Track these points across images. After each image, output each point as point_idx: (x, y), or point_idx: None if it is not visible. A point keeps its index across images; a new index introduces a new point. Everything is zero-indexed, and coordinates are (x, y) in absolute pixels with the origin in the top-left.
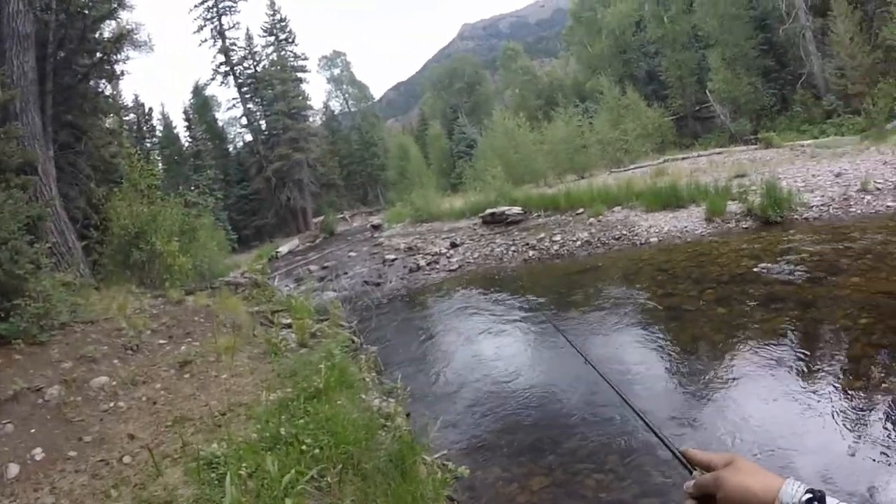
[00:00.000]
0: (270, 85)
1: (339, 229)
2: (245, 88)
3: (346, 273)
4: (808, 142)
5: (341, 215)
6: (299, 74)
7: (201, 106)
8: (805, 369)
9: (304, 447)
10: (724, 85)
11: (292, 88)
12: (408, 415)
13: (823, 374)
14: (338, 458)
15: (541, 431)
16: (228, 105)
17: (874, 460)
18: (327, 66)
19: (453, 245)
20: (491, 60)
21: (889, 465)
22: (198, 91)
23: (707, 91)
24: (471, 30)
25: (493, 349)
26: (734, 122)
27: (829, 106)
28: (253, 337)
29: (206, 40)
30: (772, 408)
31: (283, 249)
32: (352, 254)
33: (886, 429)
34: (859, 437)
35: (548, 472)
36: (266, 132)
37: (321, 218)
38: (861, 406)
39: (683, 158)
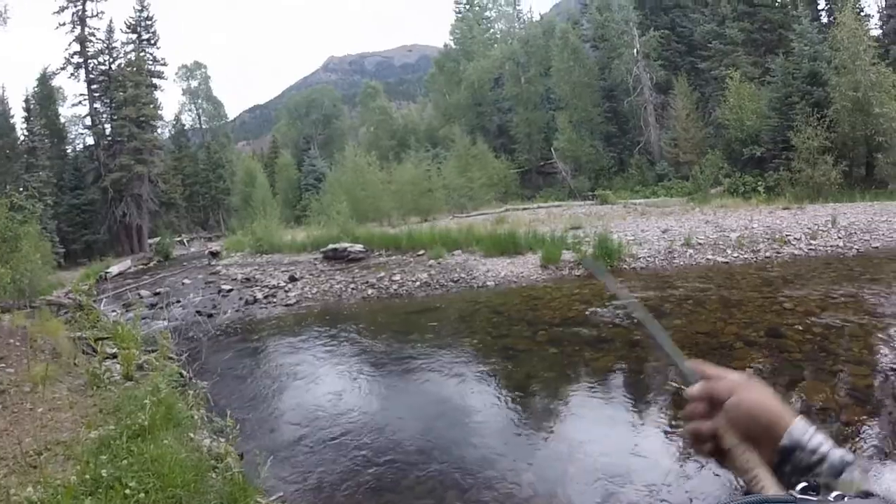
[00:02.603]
0: (123, 86)
1: (175, 253)
2: (95, 85)
3: (178, 301)
4: (640, 201)
5: (179, 238)
6: (155, 80)
7: (45, 97)
8: (633, 402)
9: (127, 491)
10: (569, 145)
11: (145, 94)
12: (241, 455)
13: (650, 405)
14: (165, 503)
15: (379, 468)
16: (74, 101)
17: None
18: (185, 77)
19: (292, 279)
20: (351, 96)
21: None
22: (44, 79)
23: (552, 149)
24: (336, 63)
25: (329, 386)
26: (574, 179)
27: (662, 171)
28: (74, 366)
29: (63, 24)
30: (603, 437)
31: (114, 270)
32: (186, 280)
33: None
34: (683, 459)
35: None
36: (110, 137)
37: (157, 239)
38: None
39: (524, 209)
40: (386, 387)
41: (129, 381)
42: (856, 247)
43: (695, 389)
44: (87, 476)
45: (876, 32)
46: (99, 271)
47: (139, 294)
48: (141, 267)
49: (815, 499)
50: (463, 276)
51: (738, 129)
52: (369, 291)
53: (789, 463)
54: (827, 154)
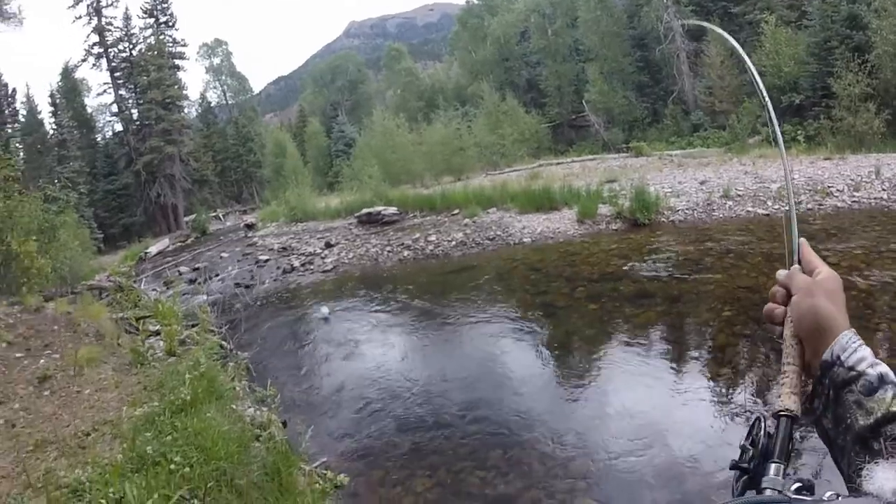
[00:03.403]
0: (146, 71)
1: (211, 228)
2: (118, 73)
3: (217, 275)
4: (676, 152)
5: (214, 214)
6: (177, 61)
7: (70, 90)
8: (674, 359)
9: (172, 466)
10: (601, 97)
11: (168, 76)
12: (284, 423)
13: (691, 362)
14: (209, 476)
15: (421, 432)
16: (99, 90)
17: (738, 436)
18: (207, 55)
19: (328, 245)
20: (375, 60)
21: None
22: (67, 73)
23: (584, 101)
24: (357, 27)
25: (368, 351)
26: (608, 132)
27: (697, 121)
28: (117, 346)
29: (80, 17)
30: (644, 395)
31: (153, 250)
32: (224, 254)
33: (748, 409)
34: (725, 417)
35: (431, 474)
36: (138, 122)
37: (193, 216)
38: (726, 391)
39: (558, 163)
40: (426, 349)
41: (172, 357)
42: None
43: (781, 274)
44: (133, 454)
45: None
46: (138, 252)
47: (178, 271)
48: (179, 244)
49: (809, 499)
50: (499, 233)
51: (776, 76)
52: (405, 253)
53: (827, 377)
54: (869, 101)
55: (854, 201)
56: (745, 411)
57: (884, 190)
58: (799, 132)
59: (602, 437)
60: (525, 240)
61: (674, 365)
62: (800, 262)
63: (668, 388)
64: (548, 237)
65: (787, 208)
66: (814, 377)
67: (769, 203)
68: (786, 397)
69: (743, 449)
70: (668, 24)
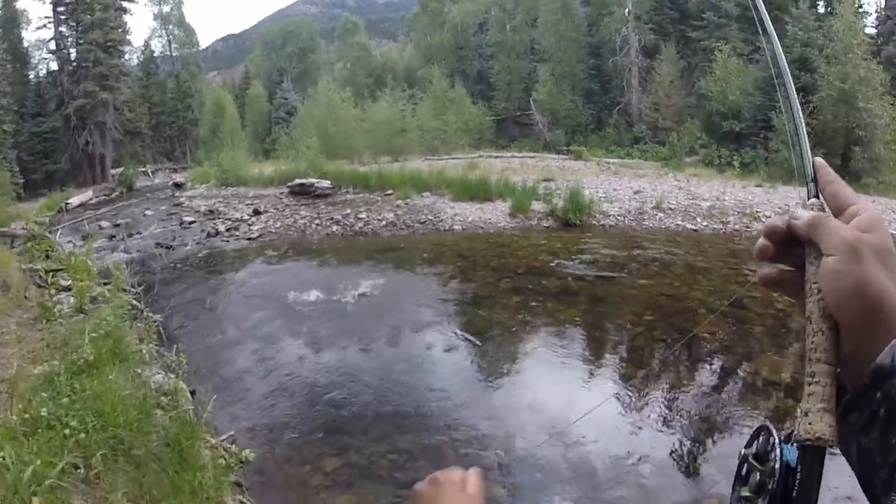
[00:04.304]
0: (90, 9)
1: (138, 184)
2: (61, 8)
3: (138, 233)
4: (615, 160)
5: (143, 169)
6: (124, 3)
7: (9, 20)
8: (593, 356)
9: (67, 431)
10: (549, 97)
11: (113, 17)
12: (192, 393)
13: (610, 361)
14: (105, 443)
15: (333, 411)
16: (39, 24)
17: (649, 435)
18: (157, 1)
19: (256, 212)
20: (330, 30)
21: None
22: (7, 2)
23: (531, 99)
24: None
25: (285, 326)
26: (550, 132)
27: (639, 133)
28: (24, 299)
29: None
30: (560, 389)
31: (75, 201)
32: (148, 212)
33: (659, 411)
34: (638, 418)
35: (340, 454)
36: (75, 63)
37: (121, 170)
38: (640, 392)
39: (497, 157)
40: (344, 328)
41: (81, 315)
42: None
43: (796, 216)
44: (28, 415)
45: (871, 31)
46: (59, 202)
47: (98, 225)
48: (103, 198)
49: None
50: (430, 217)
51: (721, 103)
52: (334, 228)
53: (880, 389)
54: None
55: None
56: (659, 416)
57: None
58: (735, 158)
59: (515, 427)
60: (456, 227)
61: (592, 362)
62: (817, 194)
63: (584, 384)
64: (479, 227)
65: (794, 120)
66: (854, 382)
67: (699, 220)
68: (816, 417)
69: (747, 465)
70: (626, 37)
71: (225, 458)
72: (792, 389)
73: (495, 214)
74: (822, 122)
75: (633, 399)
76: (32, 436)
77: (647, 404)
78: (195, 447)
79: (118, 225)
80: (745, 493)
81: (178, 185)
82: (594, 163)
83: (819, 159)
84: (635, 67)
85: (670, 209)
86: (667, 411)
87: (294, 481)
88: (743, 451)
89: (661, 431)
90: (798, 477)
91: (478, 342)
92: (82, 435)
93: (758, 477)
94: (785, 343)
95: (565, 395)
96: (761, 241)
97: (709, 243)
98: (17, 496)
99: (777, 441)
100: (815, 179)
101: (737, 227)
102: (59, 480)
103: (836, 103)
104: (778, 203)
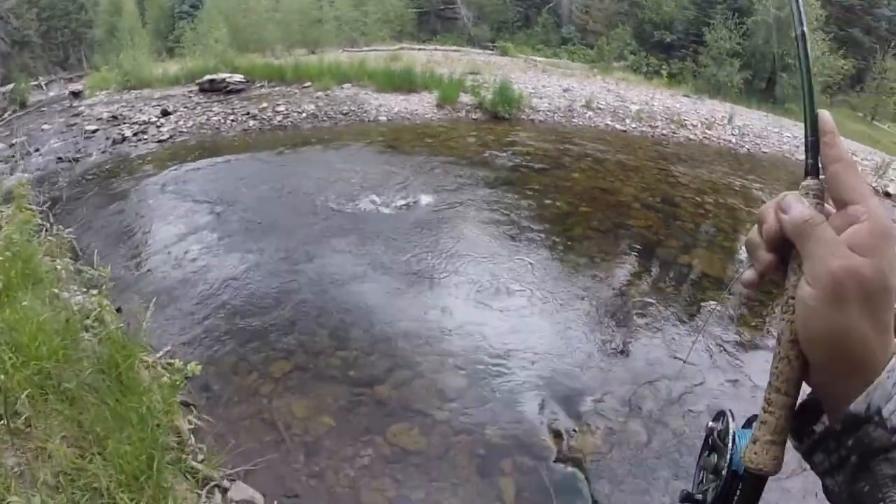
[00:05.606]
0: None
1: (32, 99)
2: None
3: (37, 150)
4: (541, 59)
5: (35, 82)
6: None
7: None
8: (533, 246)
9: None
10: None
11: None
12: (118, 310)
13: (550, 250)
14: (29, 382)
15: (271, 313)
16: None
17: (581, 332)
18: None
19: (165, 113)
20: None
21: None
22: None
23: None
24: None
25: (208, 226)
26: (475, 27)
27: (568, 35)
28: None
29: None
30: (505, 277)
31: None
32: (45, 126)
33: (596, 303)
34: (578, 309)
35: (287, 356)
36: None
37: (11, 86)
38: (582, 282)
39: (420, 49)
40: (270, 225)
41: None
42: (747, 146)
43: (790, 218)
44: None
45: None
46: None
47: None
48: None
49: None
50: (353, 109)
51: (654, 12)
52: (251, 123)
53: (853, 437)
54: (735, 58)
55: (705, 137)
56: (605, 306)
57: (733, 135)
58: (663, 67)
59: (460, 318)
60: (381, 118)
61: (531, 251)
62: (817, 171)
63: (526, 274)
64: (405, 118)
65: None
66: (824, 423)
67: (627, 121)
68: (763, 448)
69: (711, 440)
70: None
71: (169, 377)
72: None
73: (422, 105)
74: (753, 44)
75: (579, 293)
76: None
77: (592, 297)
78: (134, 368)
79: (13, 145)
80: (705, 465)
81: (75, 94)
82: (521, 59)
83: (826, 115)
84: None
85: (600, 109)
86: (614, 307)
87: (243, 392)
88: (710, 423)
89: (602, 322)
90: (738, 494)
91: (412, 229)
92: (1, 376)
93: (714, 460)
94: (715, 240)
95: (510, 283)
96: (753, 235)
97: (638, 144)
98: None
99: (733, 433)
100: (816, 146)
101: (664, 132)
102: None
103: (769, 29)
104: (705, 114)
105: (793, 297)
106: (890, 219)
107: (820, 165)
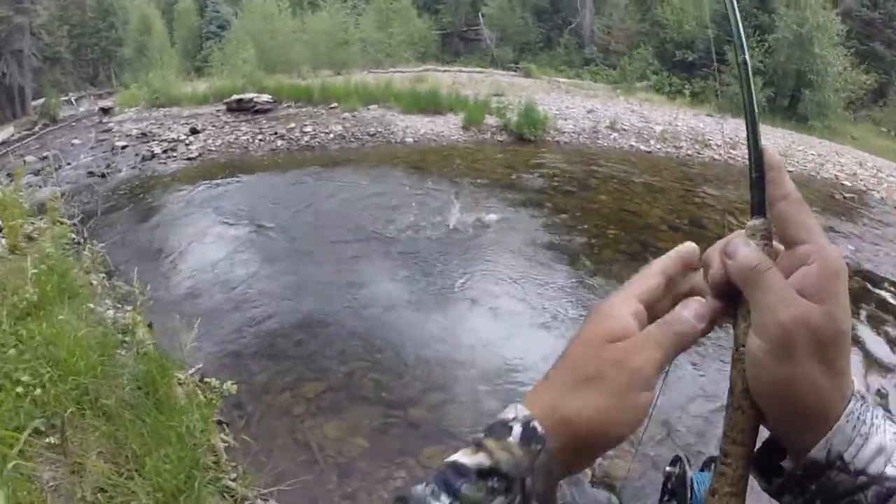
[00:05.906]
0: None
1: (63, 114)
2: None
3: (68, 163)
4: (564, 80)
5: (66, 98)
6: None
7: None
8: (562, 270)
9: (20, 389)
10: (498, 12)
11: None
12: (150, 325)
13: (579, 274)
14: (68, 397)
15: (304, 333)
16: None
17: None
18: None
19: (194, 131)
20: None
21: None
22: None
23: (480, 14)
24: None
25: (240, 245)
26: (499, 49)
27: (590, 55)
28: None
29: None
30: (539, 303)
31: None
32: (76, 141)
33: None
34: None
35: (320, 377)
36: None
37: (42, 101)
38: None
39: (444, 71)
40: (304, 245)
41: (16, 254)
42: None
43: (736, 265)
44: None
45: None
46: None
47: (23, 160)
48: (25, 133)
49: None
50: (380, 130)
51: (676, 32)
52: (278, 143)
53: (815, 482)
54: (757, 76)
55: (730, 157)
56: None
57: None
58: (686, 86)
59: (494, 342)
60: (407, 139)
61: (562, 276)
62: (764, 211)
63: (558, 298)
64: (431, 139)
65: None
66: (787, 469)
67: (652, 142)
68: (722, 500)
69: (670, 484)
70: None
71: (205, 395)
72: None
73: (447, 127)
74: (776, 62)
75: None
76: None
77: None
78: (171, 386)
79: (45, 157)
80: None
81: (105, 111)
82: (544, 80)
83: (771, 153)
84: None
85: (624, 130)
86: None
87: (276, 411)
88: (668, 468)
89: None
90: None
91: (447, 253)
92: (38, 391)
93: None
94: None
95: (536, 302)
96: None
97: (663, 165)
98: None
99: (691, 478)
100: (761, 183)
101: (689, 152)
102: (21, 458)
103: (790, 45)
104: (729, 133)
105: (743, 345)
106: (840, 255)
107: (766, 204)
